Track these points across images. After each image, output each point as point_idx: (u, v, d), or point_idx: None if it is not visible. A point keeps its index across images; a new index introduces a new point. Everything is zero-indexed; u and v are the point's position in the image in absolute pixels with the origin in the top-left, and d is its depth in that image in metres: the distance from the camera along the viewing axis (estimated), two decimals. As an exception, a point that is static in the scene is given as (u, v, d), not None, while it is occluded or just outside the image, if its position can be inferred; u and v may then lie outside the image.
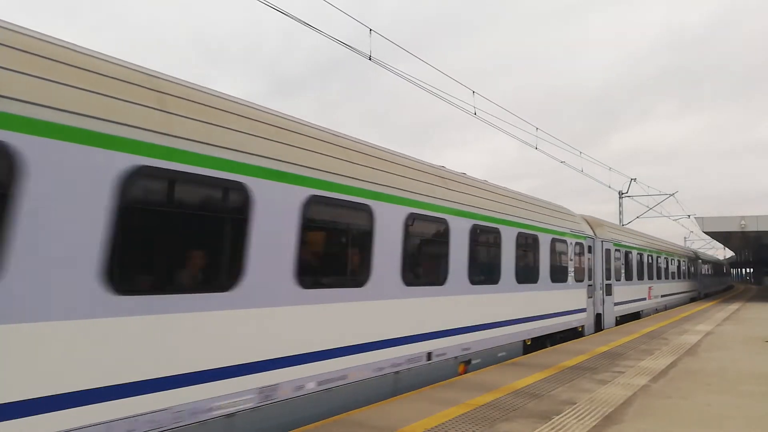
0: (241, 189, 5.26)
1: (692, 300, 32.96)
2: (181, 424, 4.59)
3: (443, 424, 5.76)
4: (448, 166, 9.90)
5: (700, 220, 26.88)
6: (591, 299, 15.50)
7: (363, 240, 6.97)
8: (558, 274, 12.79)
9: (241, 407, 5.15)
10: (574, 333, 14.24)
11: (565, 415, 6.20)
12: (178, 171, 4.69)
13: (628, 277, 19.33)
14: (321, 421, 5.84)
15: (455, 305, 8.80)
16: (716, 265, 50.81)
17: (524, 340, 11.22)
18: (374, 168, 7.32)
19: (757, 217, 25.33)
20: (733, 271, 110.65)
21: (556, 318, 12.74)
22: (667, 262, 25.95)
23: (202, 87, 5.47)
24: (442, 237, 8.57)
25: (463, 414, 6.15)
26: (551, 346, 12.56)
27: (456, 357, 8.82)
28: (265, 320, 5.46)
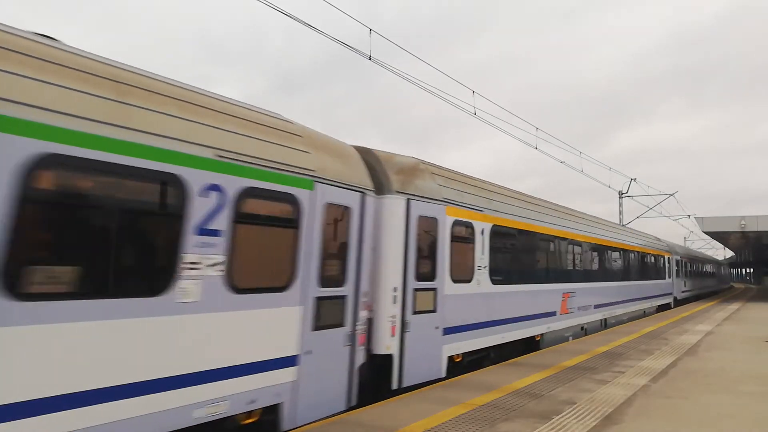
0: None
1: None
2: None
3: (444, 424, 5.77)
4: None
5: (700, 220, 26.89)
6: None
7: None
8: None
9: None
10: None
11: (565, 415, 6.21)
12: None
13: None
14: (321, 421, 5.85)
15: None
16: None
17: None
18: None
19: (757, 217, 25.34)
20: (733, 271, 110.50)
21: None
22: None
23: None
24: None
25: (463, 414, 6.16)
26: None
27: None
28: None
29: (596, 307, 15.36)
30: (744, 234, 28.90)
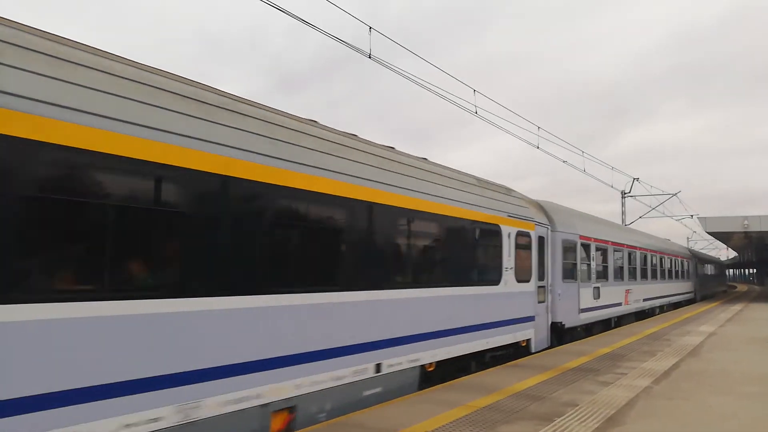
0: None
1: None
2: None
3: (444, 426, 5.72)
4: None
5: (703, 220, 26.79)
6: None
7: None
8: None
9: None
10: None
11: (567, 416, 6.16)
12: None
13: None
14: (320, 423, 5.81)
15: None
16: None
17: None
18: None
19: (760, 217, 25.22)
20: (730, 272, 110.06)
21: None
22: None
23: None
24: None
25: (464, 416, 6.11)
26: None
27: None
28: None
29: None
30: (747, 234, 28.79)
